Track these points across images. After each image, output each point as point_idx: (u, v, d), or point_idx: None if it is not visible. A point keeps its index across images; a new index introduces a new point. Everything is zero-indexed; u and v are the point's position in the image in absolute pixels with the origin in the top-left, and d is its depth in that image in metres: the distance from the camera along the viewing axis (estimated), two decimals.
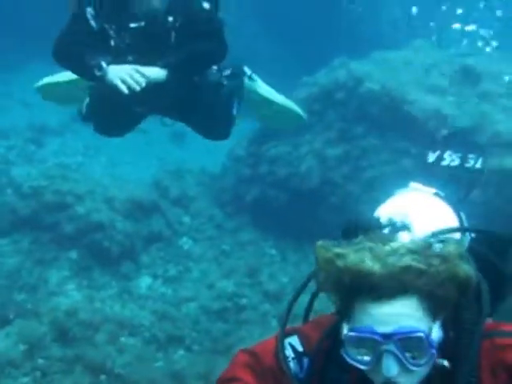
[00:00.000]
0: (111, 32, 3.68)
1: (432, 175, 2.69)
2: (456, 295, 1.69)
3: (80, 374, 5.64)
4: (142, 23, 3.62)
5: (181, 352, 6.41)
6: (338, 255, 1.68)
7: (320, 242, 1.76)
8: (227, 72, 4.31)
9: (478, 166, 2.54)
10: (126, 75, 3.52)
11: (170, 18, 3.64)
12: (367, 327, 1.64)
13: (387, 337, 1.62)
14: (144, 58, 3.73)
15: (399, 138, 7.69)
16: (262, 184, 8.43)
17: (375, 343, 1.63)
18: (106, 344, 6.17)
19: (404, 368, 1.63)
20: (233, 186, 8.88)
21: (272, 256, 8.17)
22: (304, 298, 2.10)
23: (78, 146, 10.39)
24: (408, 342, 1.62)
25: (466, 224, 2.28)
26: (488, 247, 2.03)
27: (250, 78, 4.60)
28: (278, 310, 7.02)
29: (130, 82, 3.52)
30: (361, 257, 1.65)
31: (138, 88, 3.54)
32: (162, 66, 3.62)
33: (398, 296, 1.63)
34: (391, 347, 1.62)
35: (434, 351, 1.64)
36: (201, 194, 8.99)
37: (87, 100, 4.14)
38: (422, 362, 1.64)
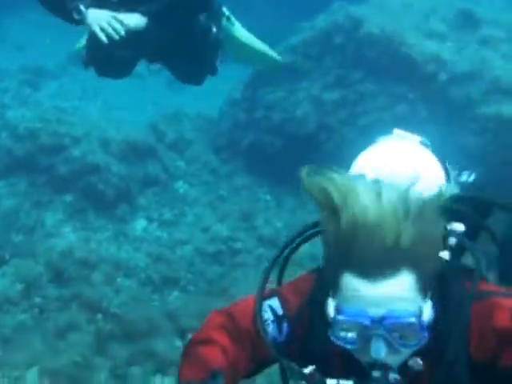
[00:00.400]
0: None
1: None
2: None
3: (76, 311, 5.73)
4: None
5: (176, 293, 6.50)
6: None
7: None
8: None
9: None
10: (104, 22, 3.41)
11: None
12: (358, 310, 1.55)
13: (378, 321, 1.54)
14: (126, 1, 3.62)
15: (397, 82, 7.63)
16: (258, 129, 8.39)
17: (365, 327, 1.56)
18: (101, 284, 6.25)
19: (393, 349, 1.58)
20: (228, 131, 8.84)
21: (267, 201, 8.19)
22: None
23: (75, 89, 10.27)
24: (399, 326, 1.55)
25: (451, 176, 2.11)
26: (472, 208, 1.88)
27: (227, 19, 4.46)
28: (273, 253, 7.08)
29: (109, 29, 3.41)
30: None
31: (116, 37, 3.44)
32: (143, 13, 3.50)
33: (391, 274, 1.53)
34: (381, 331, 1.54)
35: (425, 334, 1.58)
36: (197, 138, 8.93)
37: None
38: (412, 343, 1.58)
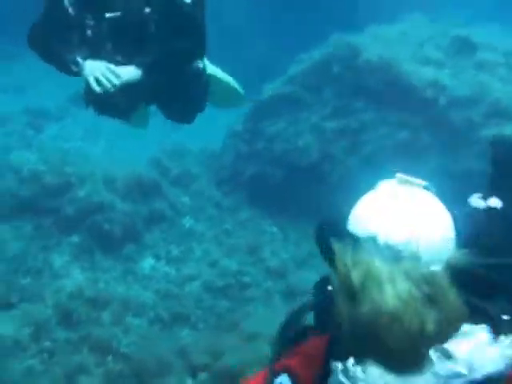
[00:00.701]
0: (88, 21, 3.55)
1: None
2: None
3: (86, 354, 5.68)
4: (118, 13, 3.48)
5: (186, 330, 6.44)
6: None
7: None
8: None
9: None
10: (99, 74, 3.45)
11: (147, 10, 3.50)
12: None
13: None
14: (122, 50, 3.64)
15: (397, 109, 7.68)
16: (260, 160, 8.43)
17: None
18: (111, 325, 6.21)
19: None
20: (231, 163, 8.89)
21: (272, 233, 8.19)
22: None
23: (77, 130, 10.36)
24: None
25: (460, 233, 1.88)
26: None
27: None
28: (281, 286, 7.07)
29: (104, 82, 3.45)
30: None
31: (111, 89, 3.48)
32: (137, 65, 3.53)
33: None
34: None
35: None
36: (200, 172, 8.98)
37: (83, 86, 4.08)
38: None
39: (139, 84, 3.60)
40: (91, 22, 3.55)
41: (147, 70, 3.54)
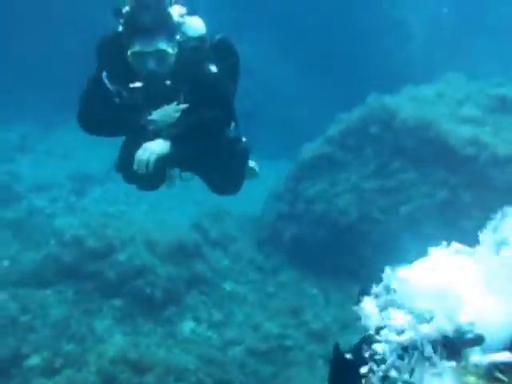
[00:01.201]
0: (124, 93, 3.69)
1: None
2: None
3: None
4: (139, 84, 3.60)
5: None
6: None
7: None
8: None
9: None
10: (139, 153, 3.56)
11: (168, 82, 3.62)
12: None
13: None
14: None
15: (437, 168, 7.64)
16: (300, 221, 8.43)
17: None
18: None
19: None
20: (271, 225, 8.89)
21: (314, 296, 8.09)
22: None
23: (119, 194, 10.55)
24: None
25: None
26: None
27: None
28: (324, 349, 6.92)
29: (143, 164, 3.56)
30: None
31: (150, 168, 3.58)
32: (165, 137, 3.62)
33: None
34: None
35: None
36: (240, 234, 9.00)
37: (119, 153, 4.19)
38: None
39: (169, 156, 3.66)
40: (127, 93, 3.68)
41: (176, 141, 3.62)
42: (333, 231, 8.10)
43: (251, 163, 4.70)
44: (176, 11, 3.76)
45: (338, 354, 1.81)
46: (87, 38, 3.94)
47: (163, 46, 3.54)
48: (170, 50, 3.56)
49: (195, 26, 3.86)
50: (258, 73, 12.72)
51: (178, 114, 3.62)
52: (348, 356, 1.79)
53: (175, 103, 3.65)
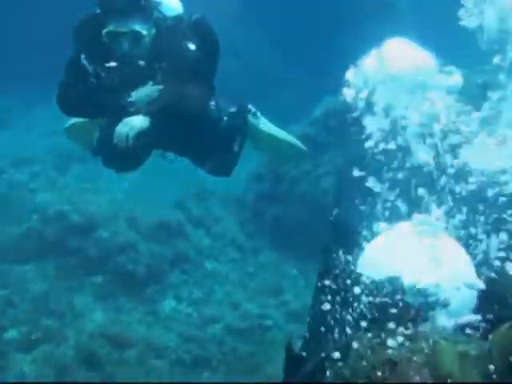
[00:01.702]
0: (103, 73, 3.73)
1: None
2: None
3: None
4: (114, 64, 3.65)
5: (207, 373, 6.38)
6: None
7: None
8: (232, 109, 4.36)
9: None
10: (119, 129, 3.58)
11: (142, 62, 3.65)
12: None
13: None
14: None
15: None
16: (282, 202, 8.44)
17: None
18: (133, 366, 6.17)
19: None
20: (253, 205, 8.90)
21: (294, 276, 8.14)
22: None
23: (102, 172, 10.40)
24: None
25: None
26: None
27: (254, 115, 4.60)
28: (303, 330, 6.97)
29: (123, 137, 3.57)
30: None
31: (130, 142, 3.59)
32: (145, 114, 3.62)
33: None
34: None
35: None
36: (223, 214, 9.01)
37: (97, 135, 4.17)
38: None
39: (149, 132, 3.67)
40: (103, 73, 3.72)
41: (155, 117, 3.63)
42: (314, 212, 8.11)
43: (295, 141, 4.76)
44: None
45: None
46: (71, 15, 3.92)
47: (137, 27, 3.57)
48: (144, 31, 3.59)
49: (172, 5, 3.88)
50: (248, 56, 12.71)
51: (156, 94, 3.61)
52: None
53: (150, 84, 3.64)
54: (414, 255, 1.88)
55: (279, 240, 8.46)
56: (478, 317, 1.78)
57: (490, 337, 1.66)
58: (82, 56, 3.74)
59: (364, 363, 1.65)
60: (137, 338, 6.54)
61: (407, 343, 1.64)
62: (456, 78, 2.37)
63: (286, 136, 4.81)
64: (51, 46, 10.73)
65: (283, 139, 4.77)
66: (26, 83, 11.89)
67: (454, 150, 2.43)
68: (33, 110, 12.41)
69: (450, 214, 2.19)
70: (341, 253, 1.95)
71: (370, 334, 1.73)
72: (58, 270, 7.48)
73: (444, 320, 1.74)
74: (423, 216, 2.12)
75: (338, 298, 1.94)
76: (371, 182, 2.23)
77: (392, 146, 2.41)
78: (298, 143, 4.87)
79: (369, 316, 1.80)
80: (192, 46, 3.73)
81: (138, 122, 3.59)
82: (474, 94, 2.71)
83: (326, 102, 8.63)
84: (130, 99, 3.65)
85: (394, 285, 1.79)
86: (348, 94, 2.49)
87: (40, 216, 7.96)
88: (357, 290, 1.83)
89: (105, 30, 3.58)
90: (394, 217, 2.19)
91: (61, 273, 7.45)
